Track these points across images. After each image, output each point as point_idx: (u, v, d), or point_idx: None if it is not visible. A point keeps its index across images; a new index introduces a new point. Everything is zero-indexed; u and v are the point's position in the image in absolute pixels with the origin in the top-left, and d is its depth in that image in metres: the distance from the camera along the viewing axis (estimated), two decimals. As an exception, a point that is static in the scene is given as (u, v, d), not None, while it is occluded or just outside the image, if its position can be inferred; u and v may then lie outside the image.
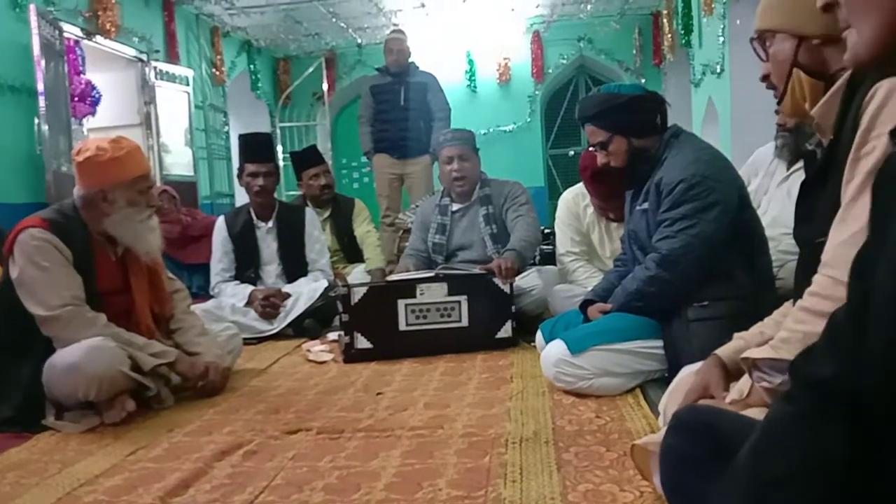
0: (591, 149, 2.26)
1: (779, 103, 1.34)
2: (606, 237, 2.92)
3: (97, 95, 5.52)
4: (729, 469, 0.69)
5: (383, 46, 5.14)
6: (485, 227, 3.21)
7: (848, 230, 1.08)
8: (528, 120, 8.53)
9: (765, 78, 1.34)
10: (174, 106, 6.41)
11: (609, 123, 2.13)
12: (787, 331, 1.16)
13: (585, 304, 2.29)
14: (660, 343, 2.04)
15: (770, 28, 1.28)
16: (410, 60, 5.11)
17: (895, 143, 0.60)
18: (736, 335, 1.44)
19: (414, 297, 2.75)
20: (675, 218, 1.99)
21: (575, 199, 2.99)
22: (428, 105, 5.02)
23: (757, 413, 1.10)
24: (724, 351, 1.42)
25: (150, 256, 2.22)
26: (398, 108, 4.97)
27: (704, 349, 1.51)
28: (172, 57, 6.51)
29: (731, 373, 1.38)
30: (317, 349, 2.91)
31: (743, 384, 1.28)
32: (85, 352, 1.95)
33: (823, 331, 0.65)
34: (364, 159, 5.54)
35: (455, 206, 3.33)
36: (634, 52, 8.23)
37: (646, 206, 2.09)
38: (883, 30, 0.57)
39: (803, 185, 1.32)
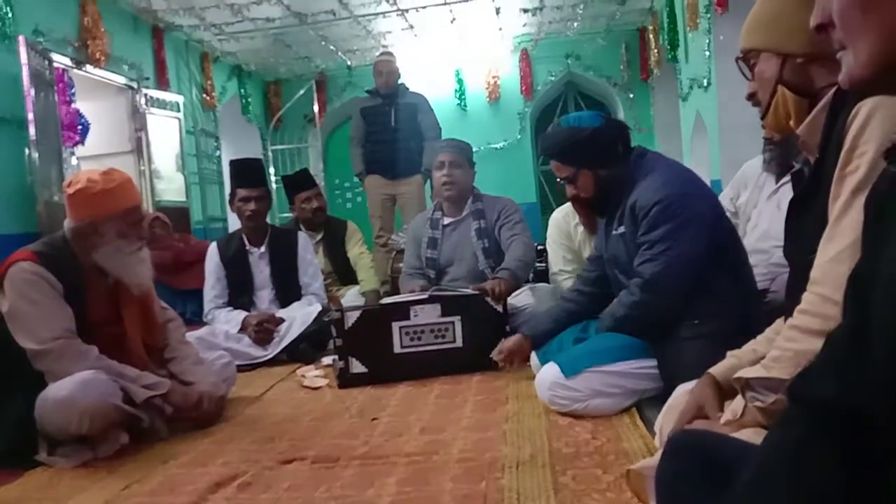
0: (558, 181, 2.28)
1: (763, 118, 1.35)
2: None
3: (85, 124, 5.52)
4: (728, 497, 0.68)
5: (373, 68, 5.18)
6: (477, 241, 3.20)
7: (835, 248, 1.09)
8: (519, 137, 8.57)
9: (751, 96, 1.36)
10: (165, 132, 6.42)
11: (573, 159, 2.16)
12: (779, 349, 1.17)
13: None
14: (653, 363, 2.03)
15: (754, 47, 1.30)
16: (400, 82, 5.14)
17: (891, 163, 0.59)
18: (729, 353, 1.44)
19: (408, 319, 2.74)
20: (654, 240, 2.00)
21: (565, 219, 3.00)
22: (419, 125, 5.04)
23: (751, 434, 1.10)
24: (717, 369, 1.42)
25: (140, 289, 2.21)
26: (389, 129, 4.99)
27: (698, 367, 1.50)
28: (162, 83, 6.53)
29: (725, 391, 1.38)
30: (311, 374, 2.89)
31: (737, 404, 1.27)
32: (77, 385, 1.93)
33: (821, 350, 0.63)
34: (356, 180, 5.55)
35: (447, 220, 3.32)
36: (622, 67, 8.30)
37: (622, 229, 2.10)
38: (881, 49, 0.56)
39: (792, 202, 1.33)
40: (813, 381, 0.62)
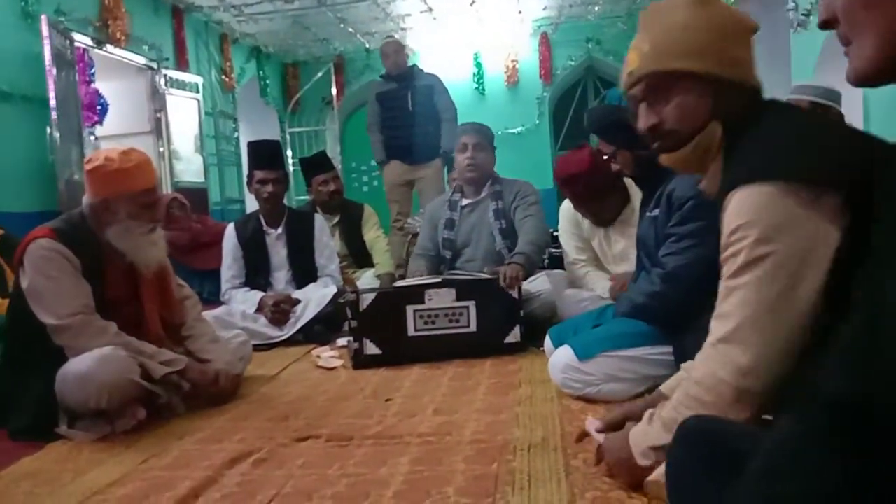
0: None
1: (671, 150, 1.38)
2: (605, 243, 2.90)
3: (104, 104, 5.57)
4: (738, 486, 0.68)
5: (380, 53, 5.15)
6: (494, 221, 3.22)
7: (723, 328, 1.16)
8: (537, 122, 8.52)
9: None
10: (184, 113, 6.46)
11: (611, 138, 2.14)
12: (677, 411, 1.18)
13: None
14: (668, 349, 2.02)
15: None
16: (413, 63, 5.12)
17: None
18: (683, 366, 1.48)
19: (422, 302, 2.75)
20: (683, 234, 1.97)
21: (574, 208, 2.98)
22: (435, 107, 5.02)
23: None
24: (666, 385, 1.51)
25: (149, 270, 2.22)
26: (406, 113, 4.97)
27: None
28: (182, 64, 6.55)
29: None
30: (326, 355, 2.92)
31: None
32: (96, 361, 1.96)
33: (835, 347, 0.64)
34: (373, 163, 5.55)
35: (465, 201, 3.34)
36: (643, 52, 8.20)
37: (656, 212, 2.08)
38: (883, 43, 0.57)
39: None
40: (828, 378, 0.63)
